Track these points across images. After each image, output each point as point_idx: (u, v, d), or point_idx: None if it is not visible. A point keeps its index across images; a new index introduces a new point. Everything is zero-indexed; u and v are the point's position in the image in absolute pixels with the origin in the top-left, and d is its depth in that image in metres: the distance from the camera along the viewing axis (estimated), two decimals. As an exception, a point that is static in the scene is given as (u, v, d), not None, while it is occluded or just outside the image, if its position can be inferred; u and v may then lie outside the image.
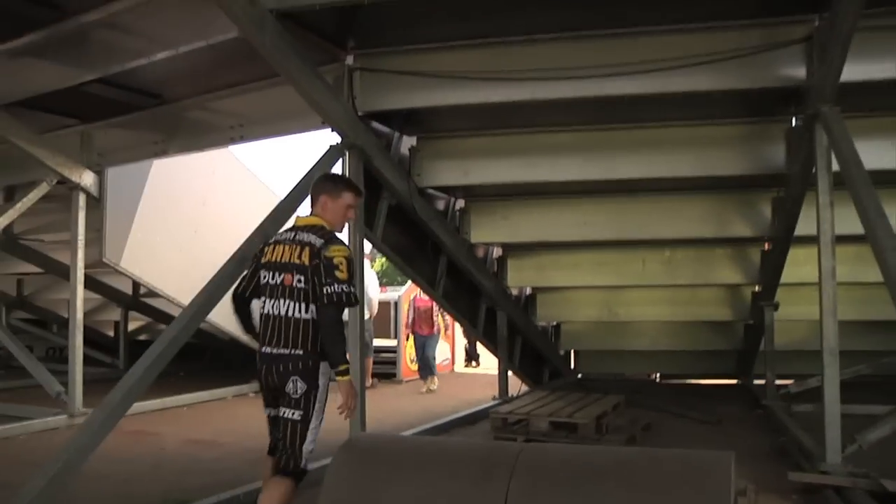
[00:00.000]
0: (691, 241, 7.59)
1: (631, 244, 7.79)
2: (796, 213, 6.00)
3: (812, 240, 5.11)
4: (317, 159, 5.50)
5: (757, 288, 8.00)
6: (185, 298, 9.26)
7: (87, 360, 12.78)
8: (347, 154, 5.69)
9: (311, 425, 3.53)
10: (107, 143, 7.75)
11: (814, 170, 5.04)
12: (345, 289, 3.56)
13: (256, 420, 7.85)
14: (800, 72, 5.16)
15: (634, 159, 6.38)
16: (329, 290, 3.53)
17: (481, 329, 8.34)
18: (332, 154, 5.54)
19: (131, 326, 14.32)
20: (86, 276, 10.38)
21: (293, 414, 3.52)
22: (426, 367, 11.44)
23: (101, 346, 13.45)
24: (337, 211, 3.89)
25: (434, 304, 11.04)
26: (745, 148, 6.25)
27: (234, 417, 8.21)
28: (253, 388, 10.27)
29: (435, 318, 11.75)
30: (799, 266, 6.88)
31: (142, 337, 14.97)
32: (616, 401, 6.82)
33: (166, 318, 11.63)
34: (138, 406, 8.36)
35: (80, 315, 7.68)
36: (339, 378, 3.51)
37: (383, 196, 6.32)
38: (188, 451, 6.38)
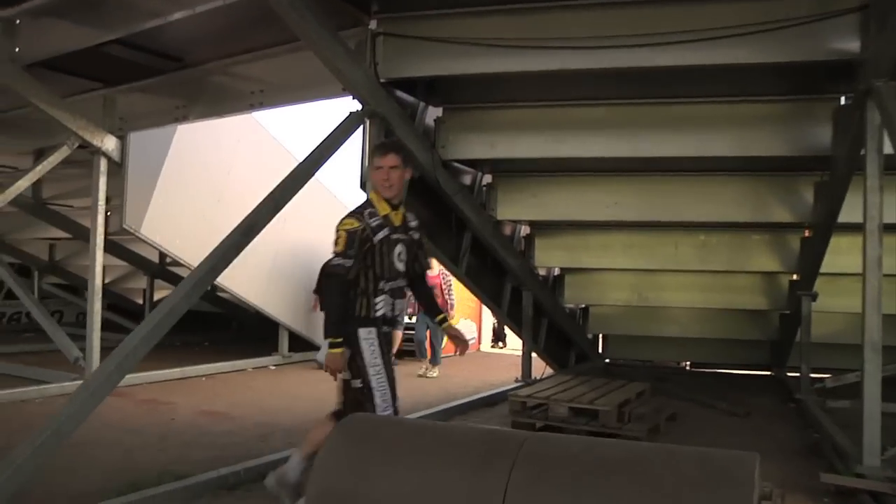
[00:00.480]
0: (727, 225, 7.23)
1: (664, 226, 7.46)
2: (841, 197, 5.64)
3: (856, 227, 4.78)
4: (335, 126, 5.29)
5: (795, 276, 7.63)
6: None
7: (114, 327, 12.90)
8: (368, 122, 5.47)
9: (374, 389, 3.69)
10: (129, 108, 7.59)
11: (862, 151, 4.69)
12: (334, 261, 3.71)
13: (272, 394, 7.82)
14: (853, 45, 4.79)
15: (669, 137, 6.07)
16: (327, 262, 3.83)
17: (506, 309, 8.07)
18: (352, 121, 5.32)
19: (160, 295, 14.40)
20: (112, 242, 10.43)
21: (354, 382, 3.73)
22: (432, 350, 10.43)
23: (129, 313, 13.49)
24: (372, 176, 3.95)
25: (441, 281, 9.95)
26: (788, 127, 5.89)
27: (251, 390, 8.09)
28: (274, 361, 10.19)
29: (447, 297, 10.14)
30: (841, 255, 6.52)
31: (170, 306, 15.01)
32: (641, 388, 6.53)
33: (193, 287, 11.57)
34: (156, 375, 8.39)
35: (98, 281, 7.55)
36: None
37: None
38: (198, 423, 6.24)
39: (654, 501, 2.35)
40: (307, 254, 10.67)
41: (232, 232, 4.46)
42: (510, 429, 3.15)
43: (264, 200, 4.65)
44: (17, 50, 6.34)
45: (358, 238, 3.70)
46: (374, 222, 3.76)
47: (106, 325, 13.17)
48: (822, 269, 6.85)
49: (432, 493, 2.60)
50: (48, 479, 4.31)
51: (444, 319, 4.17)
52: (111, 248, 10.70)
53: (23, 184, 7.75)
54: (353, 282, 3.72)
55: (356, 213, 3.81)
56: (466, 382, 9.16)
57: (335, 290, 3.78)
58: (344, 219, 3.78)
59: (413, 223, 3.99)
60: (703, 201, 6.79)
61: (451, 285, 9.96)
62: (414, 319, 10.63)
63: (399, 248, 3.83)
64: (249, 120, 9.11)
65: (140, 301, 13.53)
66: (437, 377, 9.93)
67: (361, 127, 5.53)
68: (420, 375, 9.91)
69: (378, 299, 3.77)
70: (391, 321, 3.88)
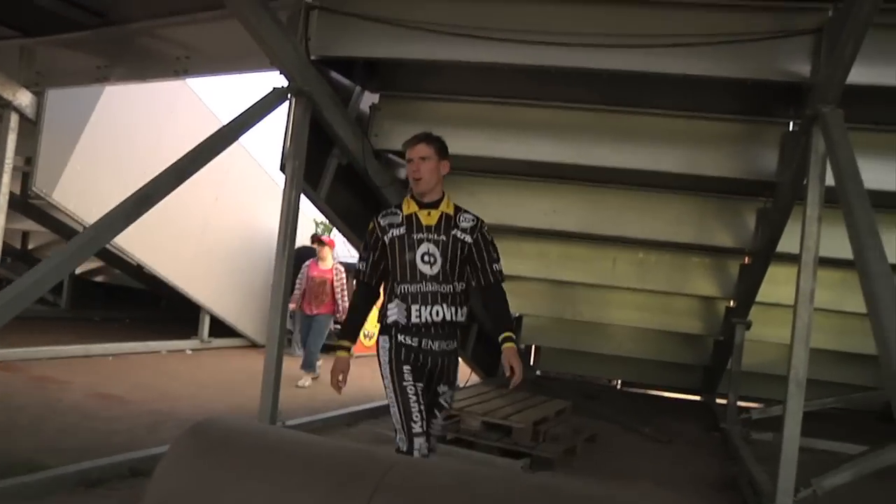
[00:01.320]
0: (668, 244, 6.99)
1: (602, 240, 7.17)
2: (781, 226, 5.43)
3: (795, 258, 4.54)
4: (255, 101, 4.91)
5: (732, 303, 7.45)
6: (127, 244, 8.74)
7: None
8: (294, 101, 5.11)
9: (391, 408, 3.43)
10: (49, 63, 7.03)
11: (805, 180, 4.47)
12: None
13: (179, 379, 7.39)
14: (805, 68, 4.59)
15: (612, 146, 5.80)
16: None
17: (432, 312, 7.73)
18: (274, 97, 4.94)
19: (87, 267, 13.80)
20: (34, 206, 9.89)
21: None
22: (308, 356, 8.42)
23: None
24: (407, 171, 3.66)
25: (334, 275, 8.55)
26: (736, 149, 5.65)
27: (158, 374, 7.65)
28: (192, 346, 9.73)
29: (337, 297, 8.52)
30: (778, 285, 6.35)
31: (98, 279, 14.44)
32: (561, 406, 6.27)
33: (119, 261, 11.05)
34: (56, 350, 7.91)
35: (-2, 246, 7.03)
36: None
37: (333, 153, 5.72)
38: (86, 406, 5.79)
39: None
40: (242, 235, 10.29)
41: (124, 201, 4.06)
42: (380, 450, 2.81)
43: (166, 170, 4.26)
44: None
45: (371, 238, 3.55)
46: (385, 221, 3.52)
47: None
48: (760, 298, 6.68)
49: (279, 519, 2.26)
50: None
51: (509, 339, 3.41)
52: (32, 211, 10.18)
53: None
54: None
55: (380, 213, 3.63)
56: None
57: (354, 291, 3.69)
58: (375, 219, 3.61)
59: (465, 223, 3.52)
60: (645, 217, 6.53)
61: (344, 283, 8.56)
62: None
63: (425, 249, 3.41)
64: (185, 89, 8.68)
65: (63, 270, 12.90)
66: (307, 387, 8.20)
67: (288, 105, 5.19)
68: (298, 387, 8.11)
69: (390, 304, 3.47)
70: (413, 331, 3.41)
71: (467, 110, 6.05)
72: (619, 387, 10.36)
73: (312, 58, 5.20)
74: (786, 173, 5.19)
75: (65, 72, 7.02)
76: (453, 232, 3.46)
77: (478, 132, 6.01)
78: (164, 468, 2.49)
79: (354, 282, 3.67)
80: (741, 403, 7.50)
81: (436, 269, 3.41)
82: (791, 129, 5.39)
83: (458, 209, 3.59)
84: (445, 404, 3.58)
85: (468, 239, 3.48)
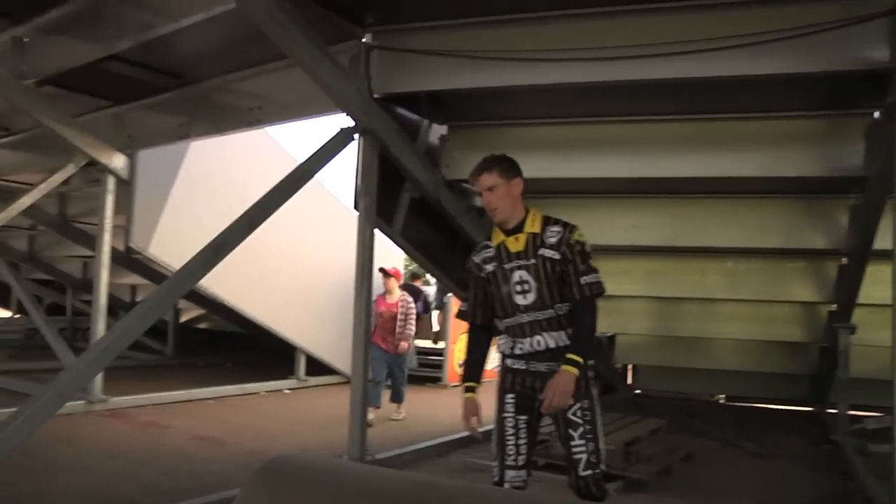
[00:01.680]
0: (756, 251, 6.70)
1: (688, 252, 6.97)
2: (875, 222, 5.12)
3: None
4: (323, 143, 5.04)
5: (833, 307, 7.05)
6: (220, 289, 9.07)
7: (139, 347, 12.90)
8: (362, 139, 5.20)
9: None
10: (138, 126, 7.54)
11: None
12: None
13: (276, 419, 7.56)
14: (882, 53, 4.30)
15: (688, 156, 5.64)
16: None
17: (521, 337, 7.66)
18: (340, 138, 5.08)
19: (190, 315, 14.38)
20: (136, 261, 10.38)
21: None
22: (397, 390, 8.22)
23: (158, 331, 13.45)
24: None
25: (399, 309, 8.07)
26: (818, 146, 5.38)
27: (256, 415, 7.84)
28: (289, 385, 9.95)
29: (405, 326, 8.09)
30: (883, 285, 5.94)
31: (201, 325, 14.99)
32: (655, 425, 6.08)
33: (219, 307, 11.44)
34: (162, 396, 8.22)
35: (103, 299, 7.46)
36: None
37: (405, 187, 5.78)
38: (187, 449, 5.98)
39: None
40: (331, 274, 10.46)
41: (201, 251, 4.21)
42: (445, 479, 2.79)
43: (238, 219, 4.41)
44: (24, 68, 6.28)
45: (470, 278, 3.43)
46: (479, 258, 3.39)
47: (135, 345, 13.25)
48: (865, 300, 6.30)
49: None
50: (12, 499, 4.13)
51: (570, 362, 3.09)
52: (135, 266, 10.68)
53: (26, 201, 7.67)
54: None
55: (475, 250, 3.49)
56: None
57: (469, 335, 3.60)
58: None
59: (551, 238, 3.21)
60: (729, 225, 6.29)
61: (409, 314, 8.11)
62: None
63: (518, 277, 3.22)
64: (265, 137, 8.96)
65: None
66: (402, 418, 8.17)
67: (357, 144, 5.29)
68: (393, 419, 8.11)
69: (500, 338, 3.40)
70: (519, 356, 3.29)
71: (537, 133, 6.00)
72: (722, 402, 9.96)
73: (376, 96, 5.27)
74: (873, 165, 4.90)
75: (152, 132, 7.47)
76: (540, 252, 3.20)
77: (549, 154, 5.95)
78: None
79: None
80: (856, 413, 7.07)
81: (531, 297, 3.21)
82: (876, 118, 5.09)
83: (546, 222, 3.29)
84: (579, 420, 3.19)
85: (556, 255, 3.18)
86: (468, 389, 3.36)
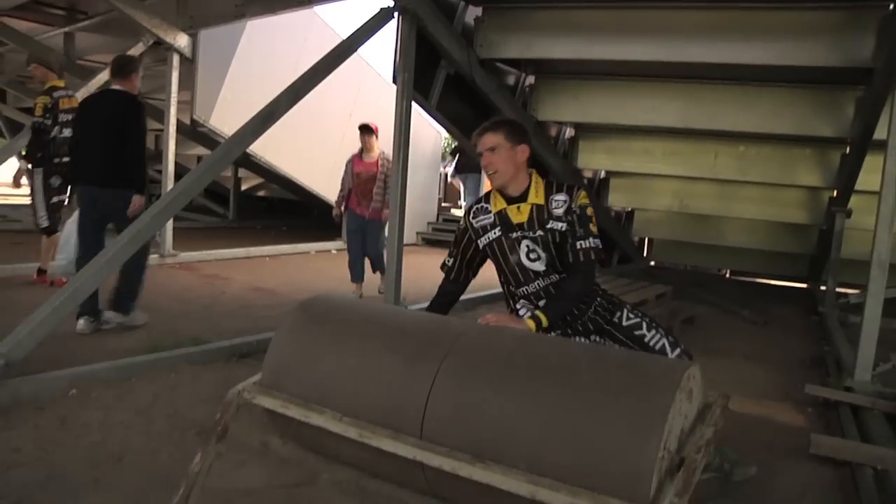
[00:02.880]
0: (767, 136, 6.65)
1: (703, 135, 6.93)
2: (877, 113, 5.04)
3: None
4: (364, 21, 5.04)
5: (835, 193, 7.03)
6: (271, 157, 9.29)
7: (206, 211, 13.33)
8: (401, 18, 5.19)
9: None
10: (198, 8, 7.59)
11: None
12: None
13: (322, 274, 7.88)
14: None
15: (708, 43, 5.49)
16: None
17: (545, 208, 7.79)
18: (380, 17, 5.05)
19: (250, 184, 14.73)
20: (200, 133, 10.59)
21: None
22: (377, 261, 6.83)
23: (222, 199, 13.87)
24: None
25: (380, 170, 6.66)
26: (833, 37, 5.21)
27: (305, 271, 8.19)
28: (336, 246, 10.29)
29: (385, 195, 6.57)
30: (879, 174, 5.91)
31: (260, 193, 15.37)
32: (662, 290, 6.23)
33: (276, 177, 11.70)
34: (224, 253, 8.61)
35: (171, 168, 7.72)
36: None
37: (441, 64, 5.80)
38: (245, 297, 6.35)
39: (568, 402, 2.18)
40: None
41: (250, 119, 4.36)
42: (457, 319, 2.98)
43: (285, 90, 4.52)
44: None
45: (462, 236, 3.06)
46: (478, 223, 3.00)
47: (202, 209, 13.68)
48: (863, 188, 6.28)
49: (369, 377, 2.50)
50: (96, 336, 4.49)
51: (533, 318, 2.75)
52: (199, 137, 10.90)
53: (102, 77, 7.79)
54: None
55: (469, 209, 3.07)
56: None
57: (441, 285, 3.17)
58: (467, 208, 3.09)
59: (558, 210, 2.84)
60: (742, 111, 6.22)
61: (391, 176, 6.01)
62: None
63: (526, 247, 2.89)
64: (314, 17, 8.89)
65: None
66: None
67: (396, 23, 5.28)
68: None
69: (518, 305, 3.00)
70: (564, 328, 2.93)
71: (566, 17, 5.88)
72: (727, 276, 10.10)
73: (416, -24, 5.22)
74: (881, 57, 4.78)
75: (211, 13, 7.51)
76: (548, 225, 2.85)
77: (577, 36, 5.87)
78: (279, 337, 2.80)
79: None
80: (843, 290, 7.18)
81: (543, 264, 2.88)
82: (889, 11, 4.91)
83: (548, 191, 2.90)
84: (635, 317, 2.97)
85: (563, 227, 2.84)
86: None
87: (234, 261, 8.45)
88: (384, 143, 10.51)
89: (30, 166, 6.08)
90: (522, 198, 2.90)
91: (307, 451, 2.86)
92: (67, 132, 5.81)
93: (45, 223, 6.00)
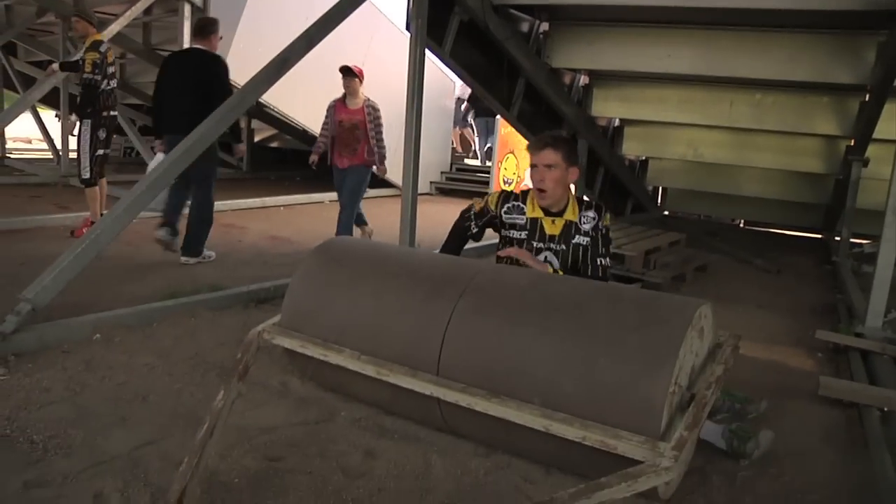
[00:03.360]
0: (784, 84, 6.55)
1: (718, 82, 6.85)
2: (897, 59, 4.97)
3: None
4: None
5: (852, 142, 6.95)
6: (285, 107, 9.25)
7: (220, 162, 13.30)
8: (413, -35, 5.12)
9: None
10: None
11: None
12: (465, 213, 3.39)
13: (336, 223, 7.89)
14: None
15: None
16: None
17: (559, 157, 7.76)
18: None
19: (264, 135, 14.68)
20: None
21: None
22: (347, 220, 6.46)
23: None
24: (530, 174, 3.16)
25: (366, 115, 6.18)
26: (854, -21, 5.12)
27: (319, 220, 8.20)
28: (347, 196, 10.30)
29: (374, 144, 6.23)
30: (896, 121, 5.87)
31: (273, 144, 15.32)
32: (675, 238, 6.25)
33: (289, 128, 11.66)
34: (239, 203, 8.65)
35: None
36: None
37: (455, 11, 5.72)
38: (260, 246, 6.41)
39: (581, 339, 2.23)
40: (388, 94, 10.47)
41: (265, 66, 4.35)
42: (472, 259, 3.03)
43: (299, 37, 4.50)
44: None
45: (485, 213, 3.22)
46: (508, 218, 3.15)
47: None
48: (881, 136, 6.22)
49: (386, 316, 2.56)
50: (117, 284, 4.56)
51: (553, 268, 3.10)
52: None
53: (114, 28, 7.74)
54: None
55: (504, 197, 3.18)
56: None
57: (452, 229, 3.33)
58: (502, 191, 3.23)
59: (586, 225, 3.09)
60: (759, 58, 6.09)
61: (380, 123, 6.26)
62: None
63: (544, 257, 3.10)
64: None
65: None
66: None
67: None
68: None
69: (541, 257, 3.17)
70: None
71: (580, -37, 5.80)
72: (741, 225, 10.08)
73: (427, -79, 5.12)
74: (903, 1, 4.69)
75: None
76: (574, 240, 3.08)
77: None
78: (296, 280, 2.87)
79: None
80: (857, 241, 7.15)
81: (549, 268, 3.08)
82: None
83: (580, 207, 3.12)
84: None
85: (587, 241, 3.09)
86: None
87: (250, 210, 8.50)
88: (398, 93, 10.53)
89: (77, 120, 6.27)
90: (559, 213, 3.10)
91: (326, 390, 2.95)
92: (114, 83, 6.22)
93: (86, 174, 6.18)
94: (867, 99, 6.30)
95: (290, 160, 15.39)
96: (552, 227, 3.09)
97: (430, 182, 12.52)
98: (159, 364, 3.21)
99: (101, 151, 6.21)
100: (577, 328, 2.29)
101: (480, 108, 12.50)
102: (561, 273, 3.05)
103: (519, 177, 11.64)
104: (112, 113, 6.21)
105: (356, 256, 2.89)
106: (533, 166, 3.04)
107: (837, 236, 7.69)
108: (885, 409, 3.03)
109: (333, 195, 10.13)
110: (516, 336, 2.30)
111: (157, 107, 5.61)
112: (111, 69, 6.19)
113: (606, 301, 2.39)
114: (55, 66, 6.90)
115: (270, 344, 2.71)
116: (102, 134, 6.17)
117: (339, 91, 6.37)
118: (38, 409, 2.66)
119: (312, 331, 2.65)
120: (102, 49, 6.04)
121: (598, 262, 3.08)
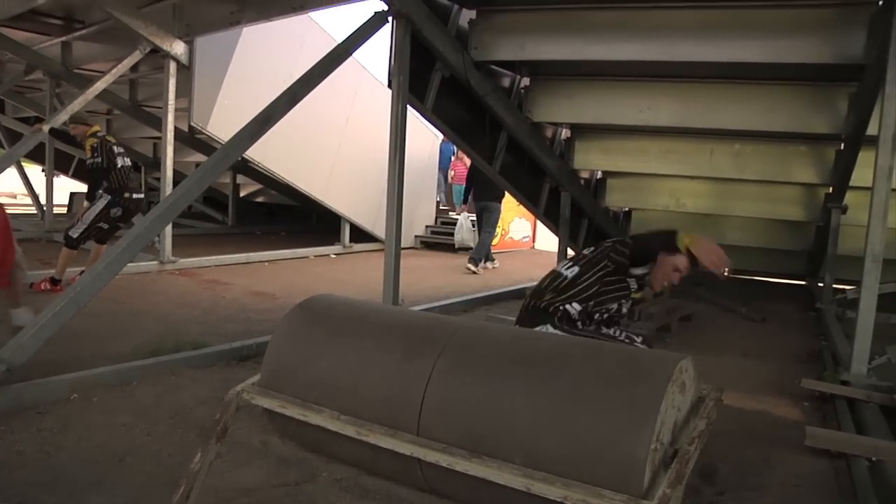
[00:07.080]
0: (762, 134, 6.67)
1: (698, 133, 6.95)
2: (869, 108, 5.08)
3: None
4: (358, 26, 5.08)
5: (831, 189, 7.06)
6: (270, 163, 9.34)
7: (204, 217, 13.38)
8: (395, 22, 5.22)
9: None
10: (194, 15, 7.59)
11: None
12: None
13: (322, 279, 7.92)
14: (887, -57, 4.19)
15: (699, 41, 5.52)
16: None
17: (542, 209, 7.83)
18: (374, 21, 5.08)
19: (249, 190, 14.76)
20: (199, 140, 10.63)
21: None
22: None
23: (220, 205, 13.91)
24: (660, 269, 3.66)
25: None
26: (824, 34, 5.22)
27: (304, 275, 8.21)
28: (335, 251, 10.32)
29: None
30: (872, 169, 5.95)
31: (259, 199, 15.40)
32: (658, 289, 6.25)
33: (275, 183, 11.74)
34: (223, 259, 8.64)
35: (169, 173, 7.68)
36: None
37: (436, 67, 5.83)
38: (244, 302, 6.37)
39: (562, 396, 2.21)
40: (372, 150, 10.60)
41: (248, 123, 4.40)
42: (452, 317, 3.03)
43: (282, 94, 4.56)
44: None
45: (601, 264, 3.58)
46: (631, 278, 3.64)
47: (201, 216, 13.73)
48: (858, 184, 6.30)
49: (366, 375, 2.54)
50: (98, 341, 4.51)
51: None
52: (198, 145, 10.94)
53: (100, 85, 7.81)
54: None
55: (623, 274, 3.58)
56: (506, 277, 9.02)
57: None
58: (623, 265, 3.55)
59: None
60: (737, 109, 6.22)
61: None
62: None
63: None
64: (310, 23, 8.93)
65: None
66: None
67: (391, 27, 5.31)
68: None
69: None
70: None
71: (559, 18, 5.88)
72: (725, 274, 10.11)
73: (408, -19, 5.25)
74: (871, 53, 4.82)
75: (207, 21, 7.53)
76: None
77: (571, 37, 5.87)
78: (276, 338, 2.84)
79: None
80: (841, 286, 7.20)
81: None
82: (879, 6, 4.94)
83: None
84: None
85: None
86: None
87: (234, 266, 8.48)
88: (382, 147, 10.68)
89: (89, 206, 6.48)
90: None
91: (306, 450, 2.90)
92: (127, 161, 6.47)
93: (74, 234, 6.25)
94: (843, 147, 6.42)
95: (276, 215, 15.47)
96: (636, 293, 3.71)
97: (416, 236, 12.55)
98: (138, 424, 3.16)
99: (101, 224, 6.35)
100: (557, 385, 2.28)
101: (485, 190, 12.60)
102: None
103: (504, 230, 11.71)
104: (136, 196, 6.43)
105: (336, 314, 2.88)
106: (675, 271, 3.57)
107: (821, 282, 7.76)
108: (874, 458, 3.01)
109: (318, 250, 10.28)
110: (496, 394, 2.28)
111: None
112: (117, 149, 6.44)
113: (587, 357, 2.38)
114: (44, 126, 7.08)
115: (250, 403, 2.67)
116: (117, 213, 6.37)
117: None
118: (10, 472, 2.60)
119: (292, 390, 2.62)
120: (100, 135, 6.38)
121: None
